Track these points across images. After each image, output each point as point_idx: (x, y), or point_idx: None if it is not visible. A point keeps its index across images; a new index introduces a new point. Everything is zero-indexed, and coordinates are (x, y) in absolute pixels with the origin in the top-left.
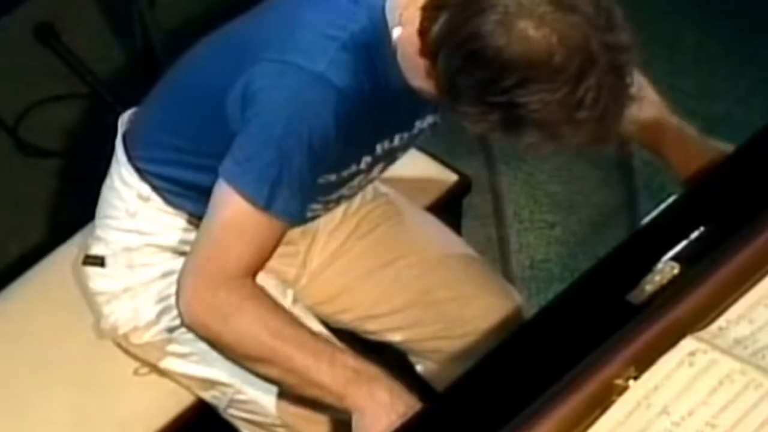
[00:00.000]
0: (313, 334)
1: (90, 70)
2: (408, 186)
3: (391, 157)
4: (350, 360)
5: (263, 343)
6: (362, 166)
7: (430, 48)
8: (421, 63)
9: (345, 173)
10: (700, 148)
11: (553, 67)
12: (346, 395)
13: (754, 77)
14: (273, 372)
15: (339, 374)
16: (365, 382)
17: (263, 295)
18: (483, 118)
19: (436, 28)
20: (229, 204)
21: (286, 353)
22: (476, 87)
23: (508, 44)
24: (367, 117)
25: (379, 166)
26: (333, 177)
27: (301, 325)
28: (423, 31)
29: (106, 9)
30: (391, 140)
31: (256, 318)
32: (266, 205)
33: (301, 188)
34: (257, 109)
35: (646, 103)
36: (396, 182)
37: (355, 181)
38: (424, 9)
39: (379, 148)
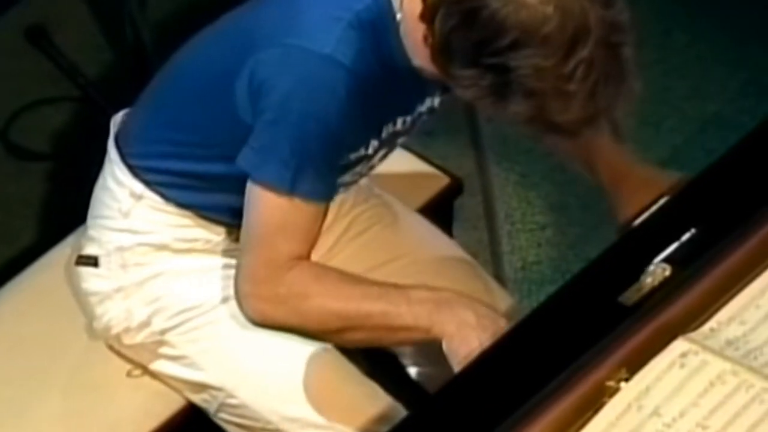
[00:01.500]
0: (378, 283)
1: (81, 72)
2: (399, 188)
3: (392, 142)
4: (424, 293)
5: (339, 314)
6: (370, 150)
7: (429, 9)
8: (421, 34)
9: (353, 156)
10: (644, 176)
11: (545, 34)
12: (432, 327)
13: (744, 78)
14: (360, 335)
15: (419, 311)
16: (446, 308)
17: (321, 269)
18: (474, 82)
19: None
20: (262, 200)
21: (363, 314)
22: (470, 47)
23: (504, 6)
24: (376, 96)
25: (381, 153)
26: (344, 159)
27: (365, 281)
28: None
29: (97, 11)
30: (395, 123)
31: (324, 295)
32: (293, 189)
33: (325, 168)
34: (270, 97)
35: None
36: (387, 184)
37: (359, 168)
38: None
39: (384, 131)
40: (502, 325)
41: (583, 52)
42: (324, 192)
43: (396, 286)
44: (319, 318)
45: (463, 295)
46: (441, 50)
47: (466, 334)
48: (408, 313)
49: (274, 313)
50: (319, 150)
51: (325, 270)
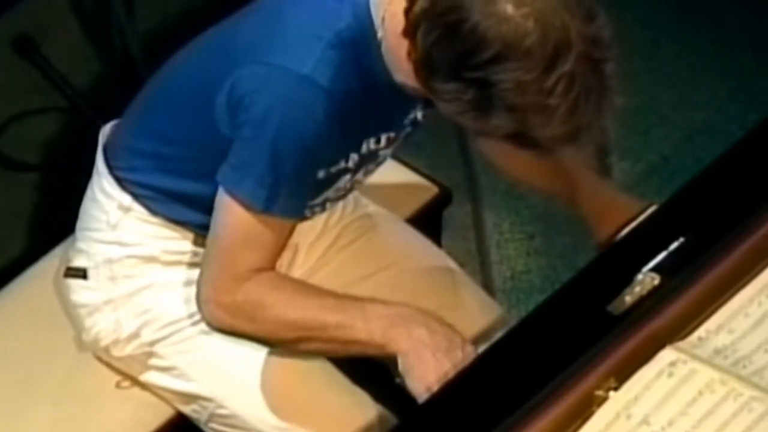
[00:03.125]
0: (337, 296)
1: (69, 83)
2: (388, 198)
3: (376, 157)
4: (381, 308)
5: (295, 324)
6: (350, 164)
7: (411, 24)
8: (404, 50)
9: (333, 169)
10: (615, 200)
11: (526, 47)
12: (386, 344)
13: (733, 86)
14: (314, 346)
15: (374, 326)
16: (401, 325)
17: (279, 279)
18: (456, 96)
19: (419, 2)
20: (233, 211)
21: (318, 325)
22: (452, 61)
23: (485, 20)
24: (355, 114)
25: (364, 168)
26: (322, 174)
27: (323, 293)
28: (407, 10)
29: (85, 22)
30: (378, 140)
31: (281, 305)
32: (266, 208)
33: (299, 187)
34: (249, 113)
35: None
36: (377, 194)
37: (342, 182)
38: None
39: (365, 147)
40: (458, 342)
41: (565, 67)
42: (296, 210)
43: (353, 299)
44: (275, 327)
45: (425, 312)
46: (423, 65)
47: (420, 352)
48: (362, 328)
49: (231, 320)
50: (294, 169)
51: (282, 280)
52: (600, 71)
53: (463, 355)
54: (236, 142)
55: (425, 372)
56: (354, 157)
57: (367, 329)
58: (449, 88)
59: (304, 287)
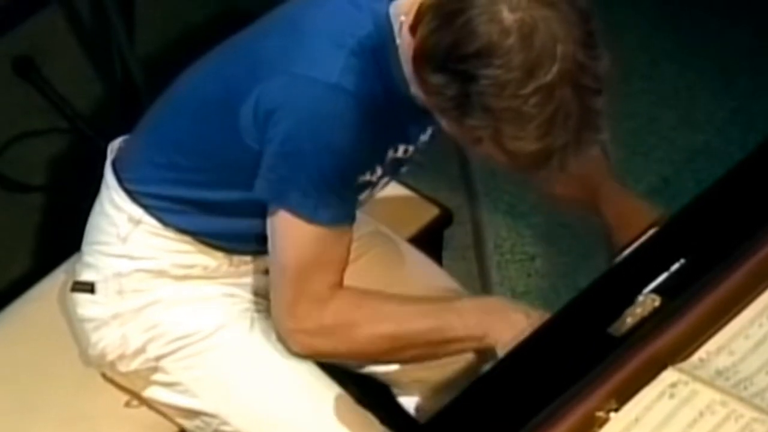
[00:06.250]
0: (421, 300)
1: (70, 104)
2: (390, 218)
3: (394, 169)
4: (470, 302)
5: (392, 336)
6: (374, 177)
7: (417, 17)
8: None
9: (360, 180)
10: (635, 206)
11: (507, 47)
12: (485, 336)
13: (732, 107)
14: (413, 353)
15: (469, 321)
16: (497, 314)
17: (360, 294)
18: (441, 90)
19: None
20: (289, 233)
21: (414, 332)
22: (442, 50)
23: (479, 15)
24: (380, 121)
25: (383, 181)
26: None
27: (408, 299)
28: (420, 7)
29: (85, 43)
30: (396, 150)
31: (372, 320)
32: (318, 220)
33: (344, 192)
34: (280, 128)
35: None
36: (378, 214)
37: (363, 195)
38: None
39: (387, 157)
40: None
41: (545, 78)
42: (347, 215)
43: (439, 301)
44: (371, 343)
45: (505, 297)
46: (419, 54)
47: (519, 336)
48: (459, 326)
49: (324, 345)
50: (336, 177)
51: (364, 294)
52: (583, 98)
53: None
54: (270, 158)
55: None
56: (378, 170)
57: (464, 324)
58: (436, 80)
59: (386, 297)
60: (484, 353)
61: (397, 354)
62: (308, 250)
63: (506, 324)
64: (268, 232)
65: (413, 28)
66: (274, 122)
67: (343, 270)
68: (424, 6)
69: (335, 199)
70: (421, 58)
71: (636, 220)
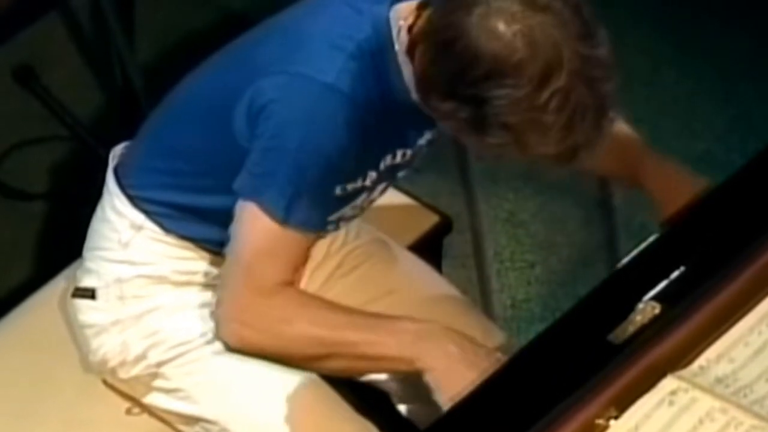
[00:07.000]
0: (366, 313)
1: (70, 112)
2: (389, 225)
3: (392, 175)
4: (408, 324)
5: (323, 341)
6: (367, 182)
7: (412, 42)
8: (410, 68)
9: (351, 187)
10: (679, 176)
11: (514, 63)
12: (415, 359)
13: (733, 115)
14: (342, 364)
15: (403, 341)
16: (432, 340)
17: (307, 296)
18: (452, 115)
19: (418, 22)
20: (253, 222)
21: (347, 342)
22: (447, 79)
23: (477, 37)
24: (375, 127)
25: (381, 186)
26: (340, 191)
27: (351, 310)
28: (411, 27)
29: (85, 51)
30: (394, 156)
31: (309, 321)
32: (287, 218)
33: (320, 199)
34: (270, 123)
35: (621, 134)
36: (378, 222)
37: (359, 200)
38: (417, 7)
39: (382, 164)
40: (489, 358)
41: (558, 83)
42: (317, 222)
43: (382, 316)
44: (302, 344)
45: (451, 329)
46: (421, 83)
47: (450, 368)
48: (392, 344)
49: (256, 338)
50: (316, 179)
51: (310, 297)
52: (596, 89)
53: (491, 367)
54: (256, 152)
55: (456, 386)
56: (372, 175)
57: (398, 344)
58: (446, 107)
59: (331, 304)
60: None
61: (323, 361)
62: (266, 244)
63: (440, 352)
64: (234, 220)
65: (409, 51)
66: (265, 117)
67: (298, 271)
68: (414, 33)
69: (308, 202)
70: (425, 88)
71: (680, 190)
